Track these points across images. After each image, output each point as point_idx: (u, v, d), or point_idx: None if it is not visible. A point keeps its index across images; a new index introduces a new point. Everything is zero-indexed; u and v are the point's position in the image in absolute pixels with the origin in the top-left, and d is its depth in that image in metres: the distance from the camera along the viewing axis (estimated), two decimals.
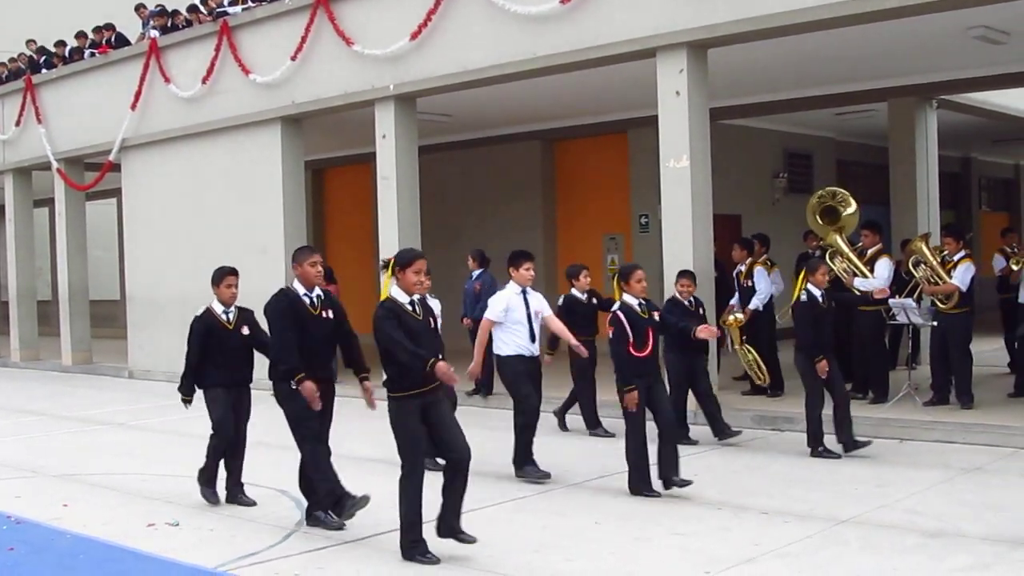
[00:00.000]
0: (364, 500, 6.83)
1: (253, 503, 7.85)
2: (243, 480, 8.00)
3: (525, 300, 8.78)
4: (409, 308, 6.40)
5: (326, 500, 7.00)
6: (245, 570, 6.25)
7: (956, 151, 22.59)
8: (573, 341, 8.89)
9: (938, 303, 10.85)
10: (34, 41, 21.19)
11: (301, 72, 14.85)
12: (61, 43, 20.22)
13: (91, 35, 19.72)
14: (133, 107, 17.60)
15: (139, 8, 18.90)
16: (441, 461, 8.42)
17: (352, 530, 7.00)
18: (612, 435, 10.39)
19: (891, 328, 11.92)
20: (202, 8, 17.07)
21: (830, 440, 9.16)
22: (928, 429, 9.72)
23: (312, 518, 7.20)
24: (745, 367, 11.70)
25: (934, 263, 10.94)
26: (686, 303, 9.90)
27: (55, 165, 19.54)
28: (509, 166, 18.69)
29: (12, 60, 21.52)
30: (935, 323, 10.90)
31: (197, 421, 11.85)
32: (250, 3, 16.06)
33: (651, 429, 7.98)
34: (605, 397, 10.69)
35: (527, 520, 6.89)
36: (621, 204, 17.62)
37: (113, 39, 19.17)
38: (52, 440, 11.65)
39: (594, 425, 10.60)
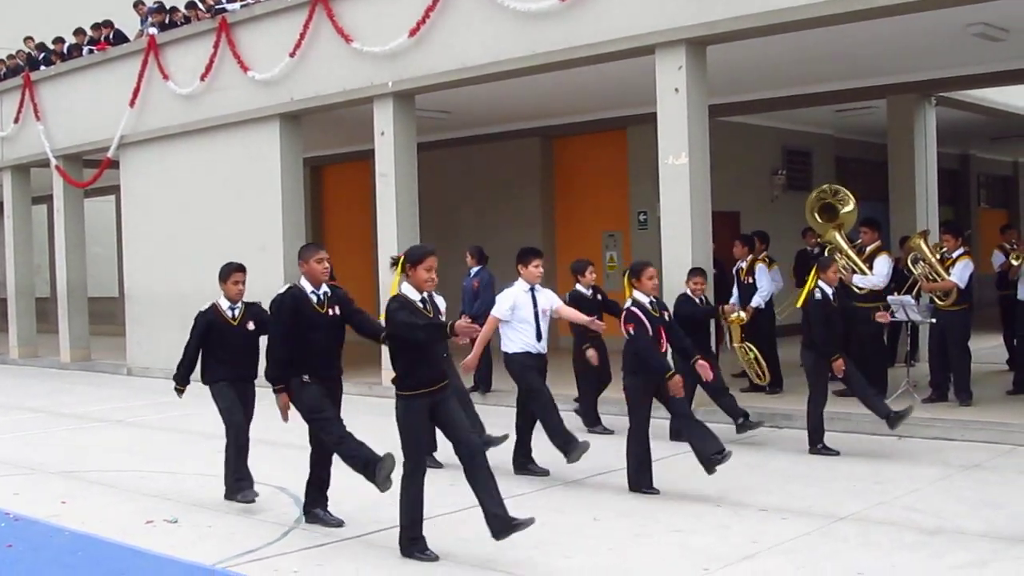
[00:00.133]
0: (390, 459, 6.58)
1: (252, 500, 7.84)
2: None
3: (533, 298, 8.69)
4: (420, 306, 6.37)
5: (361, 466, 6.75)
6: (244, 567, 6.25)
7: (955, 148, 22.59)
8: (585, 319, 8.80)
9: (937, 300, 10.86)
10: (32, 38, 21.16)
11: (300, 69, 14.84)
12: (60, 40, 20.21)
13: (90, 32, 19.72)
14: (132, 104, 17.59)
15: (138, 5, 18.88)
16: (440, 460, 8.48)
17: (351, 527, 7.01)
18: (611, 432, 10.39)
19: (890, 325, 11.90)
20: (200, 5, 17.06)
21: (829, 438, 9.16)
22: (927, 426, 9.72)
23: (311, 515, 7.19)
24: (744, 366, 11.70)
25: (933, 260, 10.95)
26: (697, 300, 9.88)
27: (54, 162, 19.53)
28: (508, 163, 18.68)
29: (11, 57, 21.51)
30: (934, 320, 10.90)
31: (196, 418, 11.86)
32: (249, 0, 16.04)
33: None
34: (605, 394, 10.72)
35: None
36: (620, 201, 17.62)
37: (112, 36, 19.16)
38: (50, 437, 11.64)
39: (593, 422, 10.60)
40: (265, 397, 7.69)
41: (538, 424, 8.72)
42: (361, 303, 7.66)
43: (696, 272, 10.14)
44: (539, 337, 8.68)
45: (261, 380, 7.69)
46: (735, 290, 12.24)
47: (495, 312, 8.75)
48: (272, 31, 15.26)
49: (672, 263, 11.01)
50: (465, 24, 12.84)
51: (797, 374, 12.92)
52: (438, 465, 8.61)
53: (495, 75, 12.77)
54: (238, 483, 7.74)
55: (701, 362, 8.10)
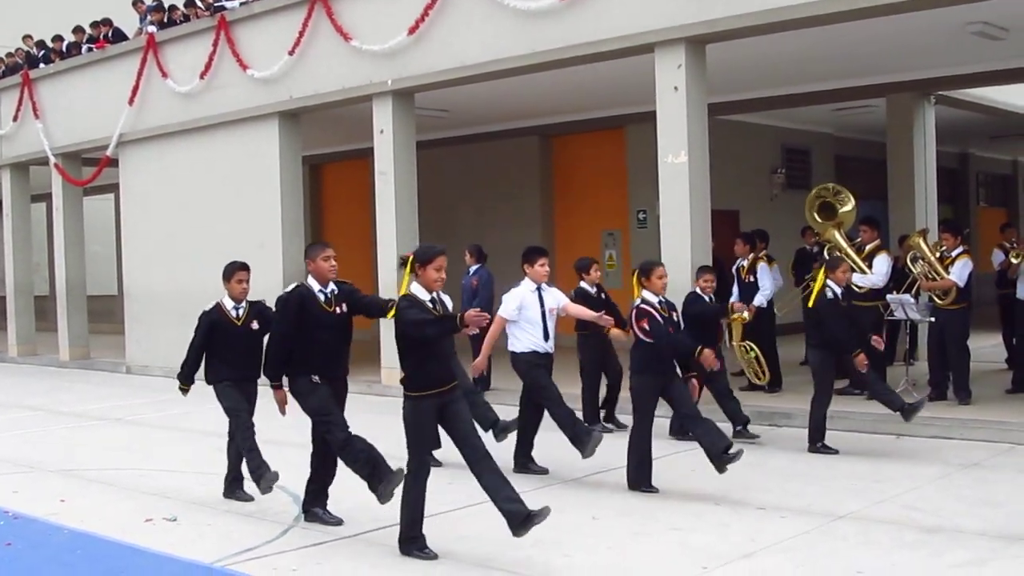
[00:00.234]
0: (399, 475, 6.54)
1: (251, 498, 7.84)
2: (242, 475, 7.98)
3: (540, 298, 8.63)
4: (430, 305, 6.32)
5: (367, 473, 6.75)
6: (242, 565, 6.25)
7: (954, 147, 22.60)
8: (594, 315, 8.77)
9: (936, 299, 10.86)
10: (31, 36, 21.15)
11: (299, 67, 14.84)
12: (58, 38, 20.20)
13: (88, 30, 19.72)
14: (131, 102, 17.59)
15: (137, 3, 18.87)
16: (440, 459, 8.47)
17: (349, 526, 7.01)
18: (611, 430, 10.39)
19: (889, 324, 11.92)
20: (200, 3, 17.05)
21: (829, 437, 9.16)
22: (926, 425, 9.71)
23: (310, 514, 7.19)
24: (743, 365, 11.69)
25: (932, 259, 10.95)
26: (707, 299, 9.84)
27: (52, 160, 19.53)
28: (507, 162, 18.68)
29: (9, 55, 21.50)
30: (933, 319, 10.91)
31: (195, 416, 11.86)
32: None
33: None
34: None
35: None
36: (619, 200, 17.62)
37: (110, 34, 19.16)
38: (49, 435, 11.64)
39: (593, 420, 10.57)
40: (265, 395, 7.70)
41: (540, 425, 8.69)
42: None
43: (705, 270, 10.06)
44: (546, 337, 8.63)
45: (264, 379, 7.67)
46: (735, 289, 12.23)
47: (502, 312, 8.67)
48: (271, 29, 15.25)
49: (671, 262, 10.95)
50: (464, 23, 12.84)
51: (795, 373, 12.96)
52: (437, 463, 8.59)
53: (494, 74, 12.77)
54: (258, 471, 7.58)
55: (706, 351, 8.10)
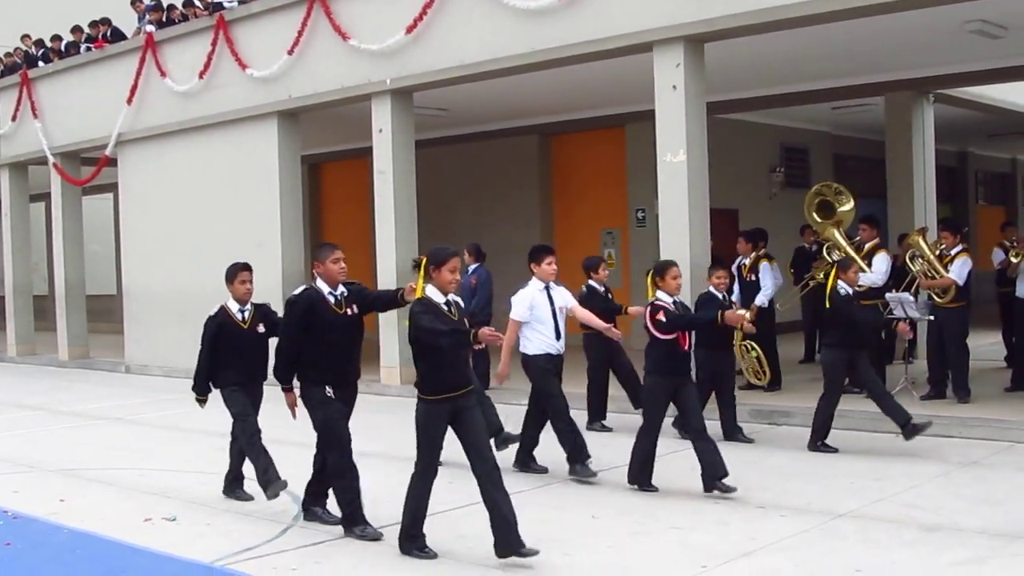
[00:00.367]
0: (377, 535, 6.66)
1: (251, 498, 7.83)
2: (243, 474, 7.97)
3: (549, 296, 8.58)
4: (445, 308, 6.26)
5: (346, 512, 6.82)
6: (242, 564, 6.25)
7: (953, 145, 22.60)
8: (603, 325, 8.73)
9: (935, 297, 10.87)
10: (30, 36, 21.15)
11: (298, 66, 14.84)
12: (57, 38, 20.20)
13: (87, 30, 19.72)
14: (129, 101, 17.58)
15: (135, 3, 18.86)
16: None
17: None
18: (610, 430, 10.39)
19: (888, 323, 11.91)
20: (198, 2, 17.05)
21: (833, 437, 9.17)
22: (926, 423, 9.71)
23: (309, 512, 7.19)
24: (744, 365, 11.66)
25: (931, 257, 10.96)
26: (720, 296, 9.68)
27: (51, 160, 19.52)
28: (506, 160, 18.68)
29: (8, 55, 21.49)
30: (932, 317, 10.91)
31: (195, 416, 11.84)
32: None
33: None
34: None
35: (525, 514, 6.86)
36: (618, 198, 17.62)
37: (109, 33, 19.16)
38: (49, 435, 11.63)
39: (594, 419, 10.55)
40: (270, 398, 7.70)
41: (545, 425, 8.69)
42: None
43: (718, 266, 9.94)
44: (558, 336, 8.57)
45: (269, 380, 7.63)
46: (736, 287, 12.21)
47: (515, 315, 8.55)
48: (270, 28, 15.25)
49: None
50: (463, 21, 12.84)
51: (795, 372, 12.97)
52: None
53: (493, 72, 12.76)
54: (266, 475, 7.51)
55: (729, 312, 8.07)
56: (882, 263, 11.30)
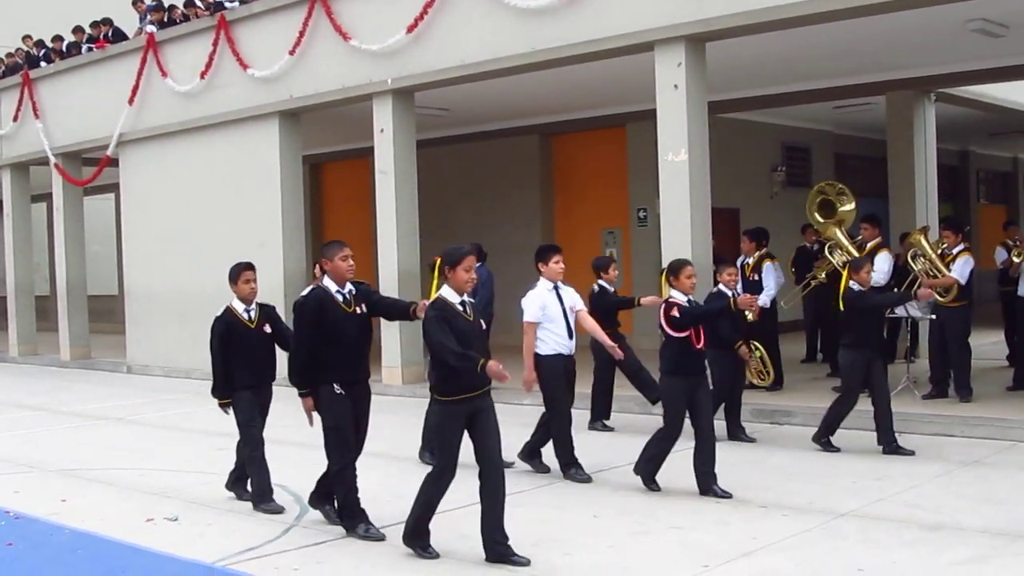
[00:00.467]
0: (380, 535, 6.66)
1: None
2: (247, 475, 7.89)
3: (558, 296, 8.53)
4: (460, 309, 6.21)
5: (344, 511, 6.81)
6: (244, 564, 6.25)
7: (954, 144, 22.59)
8: (608, 342, 8.66)
9: (937, 296, 10.85)
10: (31, 36, 21.16)
11: (299, 66, 14.84)
12: (59, 38, 20.21)
13: (88, 30, 19.72)
14: (131, 102, 17.59)
15: (136, 3, 18.87)
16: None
17: None
18: (612, 429, 10.39)
19: (889, 321, 11.91)
20: (199, 2, 17.05)
21: (834, 436, 9.16)
22: (927, 423, 9.72)
23: (317, 505, 7.11)
24: (748, 366, 11.60)
25: (933, 256, 10.95)
26: (730, 294, 9.61)
27: (53, 160, 19.53)
28: (507, 160, 18.68)
29: (9, 55, 21.50)
30: (934, 316, 10.90)
31: (196, 416, 11.86)
32: None
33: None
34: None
35: (526, 514, 6.89)
36: (619, 198, 17.62)
37: (110, 34, 19.17)
38: (50, 435, 11.64)
39: (596, 418, 10.53)
40: (279, 398, 7.69)
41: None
42: None
43: (727, 264, 9.86)
44: (570, 334, 8.51)
45: (281, 380, 7.59)
46: (739, 286, 12.17)
47: (529, 318, 8.45)
48: (271, 28, 15.25)
49: (671, 261, 10.97)
50: (464, 21, 12.84)
51: (797, 371, 12.97)
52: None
53: (494, 72, 12.76)
54: (262, 496, 7.54)
55: (742, 296, 8.12)
56: (884, 262, 11.29)
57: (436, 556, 6.20)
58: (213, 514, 7.52)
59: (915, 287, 10.14)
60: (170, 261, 17.34)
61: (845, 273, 9.27)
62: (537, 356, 8.49)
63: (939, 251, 11.03)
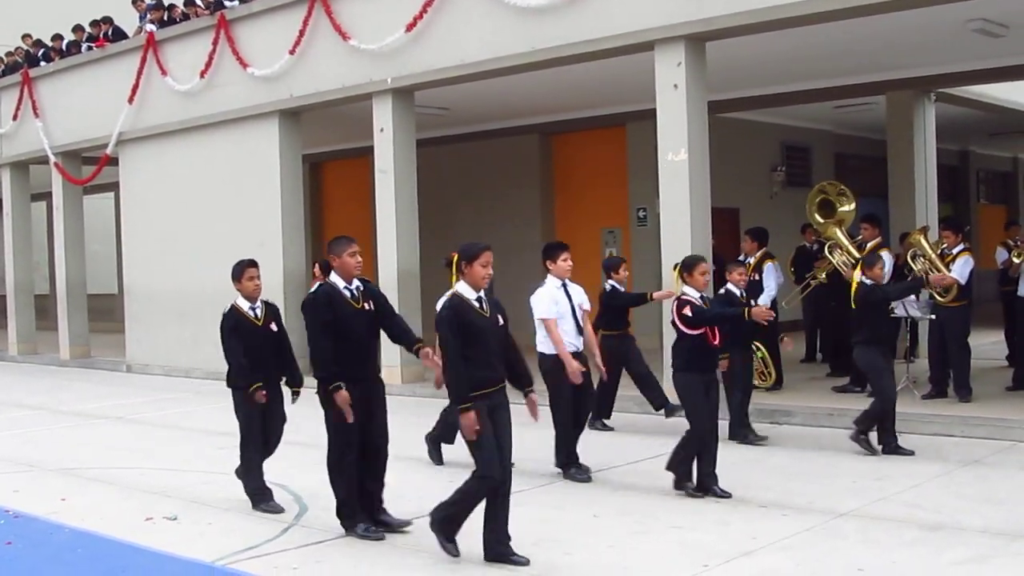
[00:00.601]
0: (379, 535, 6.62)
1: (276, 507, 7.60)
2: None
3: (567, 293, 8.50)
4: (476, 305, 6.16)
5: (343, 510, 6.76)
6: (243, 564, 6.25)
7: (954, 144, 22.59)
8: (598, 359, 8.66)
9: (937, 296, 10.86)
10: (31, 35, 21.16)
11: (299, 66, 14.84)
12: (58, 37, 20.19)
13: (88, 29, 19.71)
14: (130, 101, 17.58)
15: (136, 2, 18.87)
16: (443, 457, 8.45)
17: None
18: (611, 429, 10.38)
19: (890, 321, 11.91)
20: (199, 1, 17.05)
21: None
22: (926, 422, 9.72)
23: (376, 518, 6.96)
24: None
25: (933, 256, 10.94)
26: (738, 293, 9.47)
27: (52, 159, 19.53)
28: (507, 159, 18.68)
29: (9, 54, 21.49)
30: (933, 316, 10.90)
31: (196, 415, 11.86)
32: None
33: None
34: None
35: (526, 513, 6.88)
36: (619, 197, 17.61)
37: (110, 33, 19.16)
38: (50, 434, 11.64)
39: (596, 417, 10.51)
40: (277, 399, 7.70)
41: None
42: None
43: (738, 263, 9.85)
44: (579, 331, 8.48)
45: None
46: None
47: (543, 315, 8.39)
48: (271, 28, 15.25)
49: (671, 260, 10.98)
50: (463, 20, 12.84)
51: (796, 371, 12.97)
52: (440, 462, 8.67)
53: (494, 71, 12.76)
54: (259, 496, 7.52)
55: (756, 308, 8.03)
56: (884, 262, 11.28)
57: (456, 555, 6.10)
58: (213, 513, 7.52)
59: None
60: (170, 260, 17.34)
61: (858, 268, 9.25)
62: (542, 355, 8.47)
63: (939, 251, 11.03)
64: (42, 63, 20.12)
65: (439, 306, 6.31)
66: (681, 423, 9.78)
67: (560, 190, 18.55)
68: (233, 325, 7.53)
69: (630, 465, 8.34)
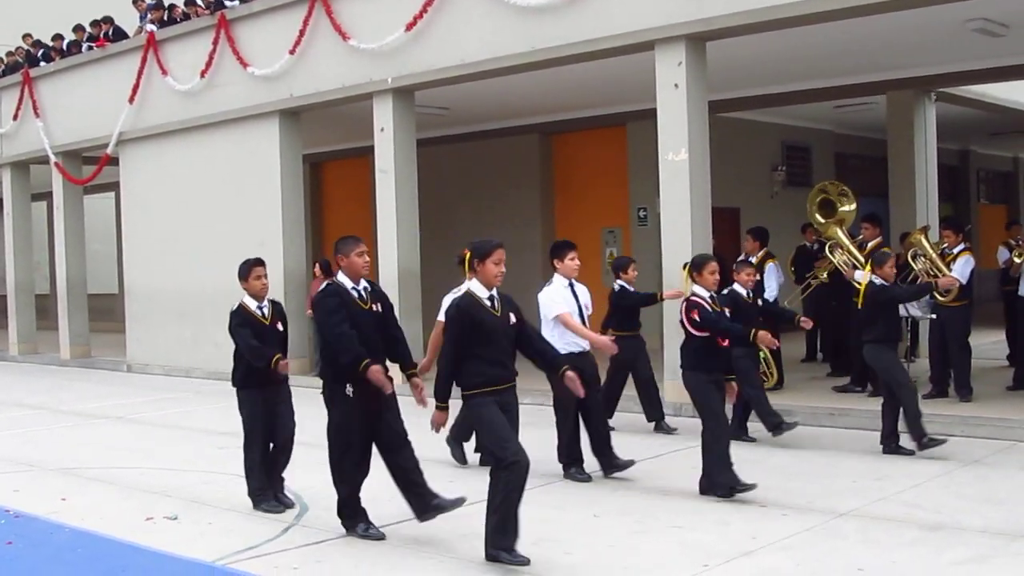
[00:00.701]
0: (380, 535, 6.60)
1: (292, 504, 7.56)
2: (283, 476, 7.69)
3: (574, 292, 8.47)
4: (487, 304, 6.11)
5: (344, 510, 6.74)
6: (243, 564, 6.24)
7: (954, 144, 22.59)
8: (598, 341, 8.56)
9: (937, 296, 10.85)
10: (31, 35, 21.17)
11: (299, 65, 14.84)
12: (59, 37, 20.21)
13: (89, 29, 19.72)
14: (131, 100, 17.59)
15: (137, 2, 18.88)
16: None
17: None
18: (612, 429, 10.36)
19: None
20: (199, 1, 17.05)
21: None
22: (927, 422, 9.64)
23: (434, 508, 6.85)
24: None
25: (933, 256, 10.94)
26: (745, 294, 9.31)
27: (53, 159, 19.54)
28: (507, 159, 18.68)
29: (9, 54, 21.50)
30: (934, 316, 10.89)
31: (196, 415, 11.86)
32: None
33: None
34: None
35: (526, 513, 6.86)
36: (619, 197, 17.61)
37: (111, 32, 19.18)
38: (50, 434, 11.63)
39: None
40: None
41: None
42: None
43: (746, 264, 9.78)
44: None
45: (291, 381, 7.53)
46: None
47: (557, 310, 8.33)
48: (271, 27, 15.26)
49: (672, 260, 11.00)
50: (464, 20, 12.84)
51: (797, 371, 12.96)
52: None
53: (494, 71, 12.76)
54: (260, 494, 7.49)
55: (762, 332, 7.96)
56: None
57: (527, 562, 5.91)
58: (213, 513, 7.52)
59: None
60: (170, 260, 17.34)
61: (868, 266, 9.23)
62: None
63: (939, 251, 11.02)
64: (42, 63, 20.13)
65: (447, 301, 6.28)
66: (683, 427, 9.86)
67: (560, 190, 18.55)
68: (240, 322, 7.52)
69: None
